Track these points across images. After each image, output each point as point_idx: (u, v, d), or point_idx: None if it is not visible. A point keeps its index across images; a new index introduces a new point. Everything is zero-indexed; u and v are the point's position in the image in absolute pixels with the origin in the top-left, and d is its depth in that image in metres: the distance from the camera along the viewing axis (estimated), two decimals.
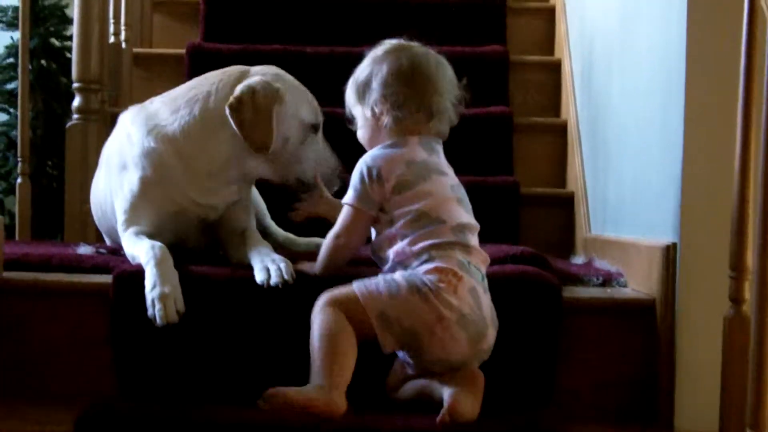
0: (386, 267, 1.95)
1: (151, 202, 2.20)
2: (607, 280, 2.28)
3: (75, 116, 3.13)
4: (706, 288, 1.94)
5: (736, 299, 1.71)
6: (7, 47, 4.17)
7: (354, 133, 2.10)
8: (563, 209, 3.15)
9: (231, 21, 3.78)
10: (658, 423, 2.03)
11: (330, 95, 3.41)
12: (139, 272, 2.02)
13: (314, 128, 2.24)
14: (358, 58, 2.09)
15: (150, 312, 1.95)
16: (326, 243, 2.04)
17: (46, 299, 2.14)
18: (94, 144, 3.08)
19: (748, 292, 1.69)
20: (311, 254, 2.12)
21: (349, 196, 1.98)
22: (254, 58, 3.43)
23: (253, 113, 2.12)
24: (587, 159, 3.06)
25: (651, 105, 2.23)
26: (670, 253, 2.00)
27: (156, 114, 2.24)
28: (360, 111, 2.05)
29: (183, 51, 3.46)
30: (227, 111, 2.12)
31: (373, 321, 1.84)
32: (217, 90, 2.19)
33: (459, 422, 1.80)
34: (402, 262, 1.91)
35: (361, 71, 2.05)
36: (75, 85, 3.14)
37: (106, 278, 2.10)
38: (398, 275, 1.87)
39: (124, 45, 3.60)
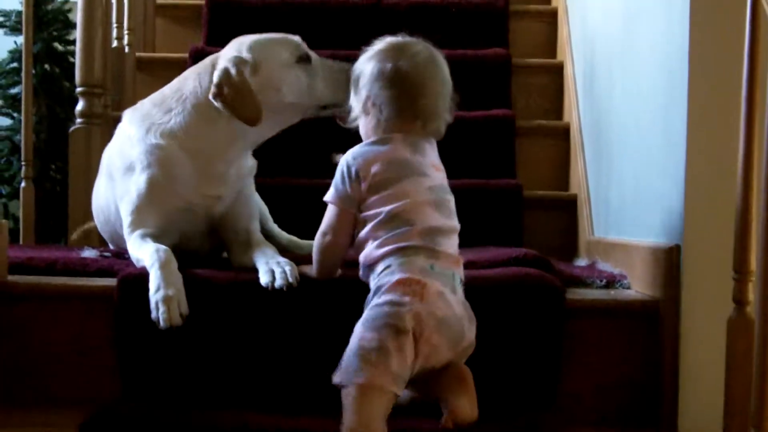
0: (360, 272, 1.94)
1: (159, 201, 2.21)
2: (610, 282, 2.28)
3: (78, 120, 3.14)
4: (710, 290, 1.94)
5: (740, 301, 1.71)
6: (10, 52, 4.19)
7: None
8: (566, 212, 3.16)
9: (233, 25, 3.77)
10: (661, 426, 2.03)
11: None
12: (143, 275, 2.02)
13: (302, 59, 2.26)
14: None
15: (154, 315, 1.95)
16: (315, 242, 2.03)
17: (50, 303, 2.14)
18: (97, 148, 3.08)
19: (752, 293, 1.69)
20: None
21: (330, 194, 1.97)
22: None
23: (234, 93, 2.15)
24: (590, 161, 3.06)
25: (653, 107, 2.23)
26: (673, 255, 2.00)
27: (150, 114, 2.27)
28: (354, 103, 2.05)
29: (186, 55, 3.46)
30: (213, 101, 2.16)
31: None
32: (200, 83, 2.23)
33: (462, 426, 1.80)
34: (368, 266, 1.89)
35: (356, 66, 2.05)
36: (78, 89, 3.15)
37: (111, 281, 2.11)
38: (363, 332, 1.77)
39: (127, 49, 3.61)
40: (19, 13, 4.05)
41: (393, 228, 1.88)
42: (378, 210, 1.90)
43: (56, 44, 4.17)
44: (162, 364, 2.05)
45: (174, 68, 3.61)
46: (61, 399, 2.12)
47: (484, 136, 3.23)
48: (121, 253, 2.37)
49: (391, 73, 1.96)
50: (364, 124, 2.02)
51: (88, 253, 2.50)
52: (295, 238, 2.64)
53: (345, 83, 2.15)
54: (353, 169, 1.94)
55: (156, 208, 2.21)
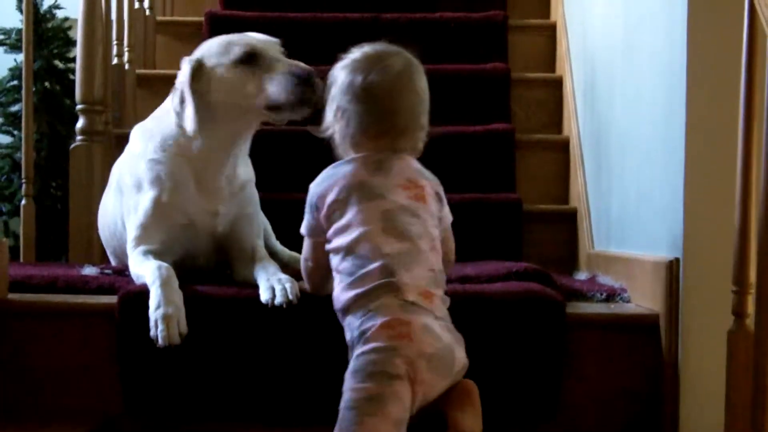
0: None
1: (162, 217, 2.21)
2: (611, 295, 2.28)
3: (79, 137, 3.14)
4: (710, 303, 1.94)
5: (740, 313, 1.71)
6: (10, 69, 4.19)
7: None
8: (566, 225, 3.16)
9: None
10: None
11: None
12: (144, 292, 2.02)
13: (248, 59, 2.18)
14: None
15: (152, 332, 1.94)
16: (301, 265, 2.04)
17: (51, 320, 2.14)
18: (98, 165, 3.10)
19: (752, 306, 1.69)
20: None
21: (302, 224, 1.96)
22: None
23: (179, 100, 2.20)
24: (590, 175, 3.06)
25: (653, 121, 2.24)
26: (673, 268, 2.00)
27: (150, 129, 2.30)
28: (327, 111, 1.99)
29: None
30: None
31: None
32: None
33: None
34: (342, 311, 1.83)
35: (331, 73, 1.99)
36: (79, 106, 3.15)
37: (111, 299, 2.11)
38: (355, 384, 1.71)
39: (127, 66, 3.61)
40: (19, 30, 4.05)
41: (352, 267, 1.81)
42: (335, 245, 1.86)
43: (56, 62, 4.18)
44: (163, 380, 2.05)
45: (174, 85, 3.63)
46: (63, 415, 2.11)
47: (483, 149, 3.24)
48: (123, 270, 2.37)
49: (360, 87, 1.90)
50: (336, 134, 1.97)
51: (89, 270, 2.50)
52: (296, 255, 2.63)
53: (300, 85, 2.12)
54: (313, 200, 1.92)
55: (160, 225, 2.21)
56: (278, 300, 1.98)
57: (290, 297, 1.99)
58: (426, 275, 1.83)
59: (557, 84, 3.64)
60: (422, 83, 1.99)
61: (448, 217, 2.01)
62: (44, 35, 4.11)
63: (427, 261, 1.84)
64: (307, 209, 1.94)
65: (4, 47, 4.22)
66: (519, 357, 2.02)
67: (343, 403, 1.70)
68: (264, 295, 2.01)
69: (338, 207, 1.87)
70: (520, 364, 2.02)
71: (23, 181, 3.12)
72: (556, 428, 2.03)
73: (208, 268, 2.32)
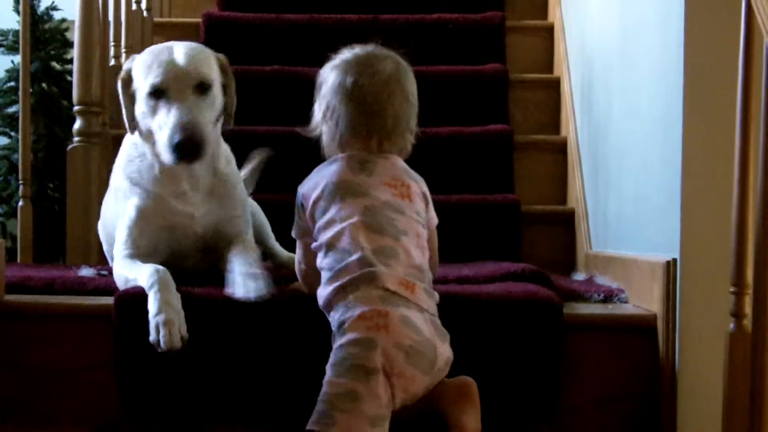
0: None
1: (145, 222, 2.22)
2: (609, 296, 2.28)
3: (76, 139, 3.13)
4: (707, 303, 1.94)
5: (738, 314, 1.71)
6: (8, 71, 4.18)
7: None
8: (564, 226, 3.16)
9: (231, 43, 3.79)
10: None
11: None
12: (140, 295, 2.01)
13: (156, 93, 2.11)
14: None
15: (153, 337, 1.93)
16: (296, 268, 2.07)
17: (48, 322, 2.14)
18: (95, 167, 3.09)
19: (749, 307, 1.69)
20: None
21: (293, 226, 2.00)
22: (252, 79, 3.47)
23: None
24: (587, 176, 3.06)
25: (651, 122, 2.24)
26: (670, 269, 2.00)
27: (132, 136, 2.28)
28: (315, 111, 2.03)
29: None
30: None
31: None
32: None
33: None
34: (325, 308, 1.84)
35: (321, 72, 2.02)
36: (76, 108, 3.15)
37: (108, 300, 2.10)
38: (331, 377, 1.72)
39: None
40: (16, 32, 4.04)
41: (333, 262, 1.83)
42: (319, 242, 1.88)
43: (54, 63, 4.16)
44: (161, 383, 2.04)
45: None
46: (62, 418, 2.12)
47: (481, 151, 3.24)
48: None
49: (350, 88, 1.93)
50: (325, 134, 2.00)
51: (86, 271, 2.50)
52: (294, 255, 2.63)
53: (176, 151, 2.04)
54: (299, 198, 1.95)
55: (143, 229, 2.21)
56: (252, 295, 1.98)
57: (261, 294, 1.98)
58: (408, 271, 1.82)
59: (555, 85, 3.64)
60: (411, 87, 2.01)
61: (434, 219, 2.03)
62: (41, 37, 4.10)
63: (409, 257, 1.84)
64: (295, 211, 1.97)
65: (1, 49, 4.21)
66: (516, 358, 2.01)
67: (320, 396, 1.71)
68: (239, 291, 2.00)
69: (322, 204, 1.89)
70: (518, 365, 2.01)
71: (20, 182, 3.11)
72: (554, 429, 2.02)
73: (197, 269, 2.31)
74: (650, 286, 2.10)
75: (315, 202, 1.90)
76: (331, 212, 1.87)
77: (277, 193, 2.85)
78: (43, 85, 4.07)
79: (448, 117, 3.41)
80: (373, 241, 1.82)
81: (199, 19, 3.87)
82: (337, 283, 1.80)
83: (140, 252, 2.18)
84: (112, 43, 3.52)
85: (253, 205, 2.61)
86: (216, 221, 2.26)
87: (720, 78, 1.93)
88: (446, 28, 3.83)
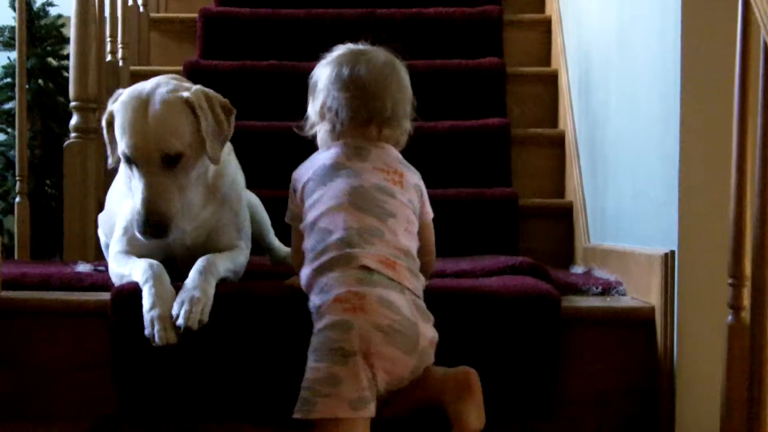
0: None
1: None
2: (607, 289, 2.28)
3: (73, 135, 3.13)
4: (705, 295, 1.94)
5: (736, 306, 1.70)
6: (4, 67, 4.19)
7: None
8: (562, 220, 3.16)
9: (228, 39, 3.79)
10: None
11: None
12: (137, 290, 2.00)
13: (129, 160, 2.05)
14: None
15: (148, 332, 1.92)
16: (292, 258, 2.08)
17: (44, 318, 2.14)
18: (92, 163, 3.09)
19: (747, 298, 1.69)
20: None
21: (286, 214, 2.02)
22: (249, 74, 3.47)
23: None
24: (585, 169, 3.06)
25: (648, 115, 2.23)
26: (668, 261, 1.99)
27: None
28: (310, 111, 2.04)
29: (180, 68, 3.47)
30: None
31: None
32: None
33: None
34: (307, 290, 1.84)
35: (313, 73, 2.05)
36: (72, 104, 3.15)
37: (105, 296, 2.10)
38: (311, 363, 1.73)
39: (121, 63, 3.61)
40: (12, 28, 4.05)
41: (314, 243, 1.83)
42: (304, 223, 1.90)
43: (50, 59, 4.17)
44: (158, 379, 2.03)
45: None
46: (60, 415, 2.11)
47: (479, 144, 3.24)
48: None
49: (347, 77, 1.95)
50: (320, 132, 2.02)
51: (83, 267, 2.50)
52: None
53: (141, 227, 2.01)
54: (292, 184, 1.97)
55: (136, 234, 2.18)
56: (179, 322, 1.91)
57: (188, 323, 1.90)
58: (392, 251, 1.81)
59: (552, 79, 3.63)
60: (406, 77, 2.04)
61: (429, 213, 2.03)
62: (37, 33, 4.11)
63: (395, 239, 1.84)
64: (289, 196, 1.99)
65: None
66: (514, 352, 2.01)
67: (302, 383, 1.72)
68: (173, 309, 1.94)
69: (311, 186, 1.90)
70: (515, 359, 2.01)
71: (17, 179, 3.12)
72: (552, 424, 2.02)
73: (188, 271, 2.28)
74: (648, 279, 2.09)
75: (305, 184, 1.92)
76: (318, 192, 1.88)
77: (275, 189, 2.84)
78: (40, 81, 4.07)
79: (446, 111, 3.40)
80: (358, 219, 1.83)
81: (196, 15, 3.86)
82: (315, 264, 1.80)
83: (134, 251, 2.17)
84: (108, 39, 3.52)
85: (254, 201, 2.59)
86: (207, 232, 2.22)
87: (717, 70, 1.93)
88: (443, 22, 3.83)
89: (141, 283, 2.01)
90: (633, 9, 2.42)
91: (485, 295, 2.03)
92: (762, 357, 1.59)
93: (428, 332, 1.80)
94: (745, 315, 1.68)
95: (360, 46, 2.04)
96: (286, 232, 2.51)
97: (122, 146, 2.04)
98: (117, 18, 3.58)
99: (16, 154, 3.13)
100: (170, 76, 2.16)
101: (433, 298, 1.90)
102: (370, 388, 1.70)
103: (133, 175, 2.05)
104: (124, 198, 2.25)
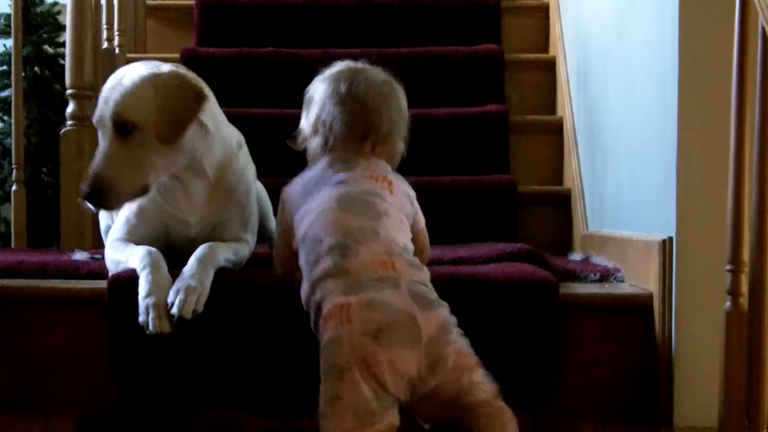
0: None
1: (143, 219, 2.18)
2: (605, 276, 2.28)
3: (69, 123, 3.12)
4: (703, 282, 1.94)
5: (734, 292, 1.70)
6: (0, 55, 4.17)
7: None
8: (560, 207, 3.15)
9: (224, 26, 3.78)
10: (658, 419, 2.02)
11: None
12: (134, 278, 1.99)
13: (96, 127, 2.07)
14: (354, 60, 2.06)
15: (142, 319, 1.91)
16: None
17: (42, 306, 2.13)
18: (88, 150, 3.07)
19: (746, 285, 1.69)
20: None
21: (275, 227, 1.98)
22: (247, 62, 3.46)
23: None
24: (583, 156, 3.05)
25: (647, 102, 2.23)
26: (666, 247, 1.99)
27: None
28: (303, 125, 2.01)
29: (177, 56, 3.46)
30: None
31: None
32: None
33: None
34: (306, 308, 1.78)
35: (309, 88, 2.01)
36: (69, 91, 3.14)
37: (102, 284, 2.09)
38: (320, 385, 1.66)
39: (117, 51, 3.60)
40: (8, 15, 4.04)
41: (307, 254, 1.78)
42: (298, 235, 1.84)
43: (46, 47, 4.16)
44: (155, 368, 2.02)
45: None
46: (57, 403, 2.11)
47: (477, 131, 3.23)
48: None
49: (345, 92, 1.92)
50: (311, 146, 1.97)
51: (79, 255, 2.49)
52: None
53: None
54: (281, 200, 1.94)
55: (140, 225, 2.18)
56: (173, 310, 1.90)
57: (181, 313, 1.90)
58: (386, 247, 1.75)
59: (551, 66, 3.63)
60: (403, 100, 2.00)
61: (422, 219, 2.00)
62: (33, 20, 4.10)
63: (390, 234, 1.78)
64: (278, 212, 1.96)
65: None
66: (512, 339, 2.00)
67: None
68: (169, 297, 1.94)
69: (300, 201, 1.87)
70: (514, 346, 2.01)
71: (14, 167, 3.11)
72: (551, 411, 2.02)
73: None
74: (646, 265, 2.09)
75: (296, 199, 1.88)
76: (306, 205, 1.84)
77: (273, 176, 2.83)
78: (36, 68, 4.07)
79: (444, 99, 3.40)
80: (349, 222, 1.77)
81: (192, 2, 3.85)
82: (310, 279, 1.75)
83: (135, 240, 2.16)
84: (104, 26, 3.51)
85: (260, 190, 2.58)
86: (212, 225, 2.21)
87: (715, 58, 1.93)
88: (441, 9, 3.82)
89: (139, 270, 2.00)
90: None
91: (483, 282, 2.03)
92: (760, 343, 1.59)
93: (432, 320, 1.69)
94: (744, 301, 1.68)
95: (359, 64, 2.00)
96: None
97: (98, 107, 2.05)
98: (113, 5, 3.57)
99: (13, 142, 3.12)
100: (170, 64, 2.15)
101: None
102: (379, 399, 1.62)
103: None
104: None
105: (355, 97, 1.92)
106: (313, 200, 1.84)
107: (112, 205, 2.02)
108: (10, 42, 3.49)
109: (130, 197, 2.03)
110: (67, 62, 3.14)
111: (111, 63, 3.49)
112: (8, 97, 3.81)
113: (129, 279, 2.01)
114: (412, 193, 1.97)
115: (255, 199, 2.35)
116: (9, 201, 3.20)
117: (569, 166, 3.20)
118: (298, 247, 1.84)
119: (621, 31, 2.54)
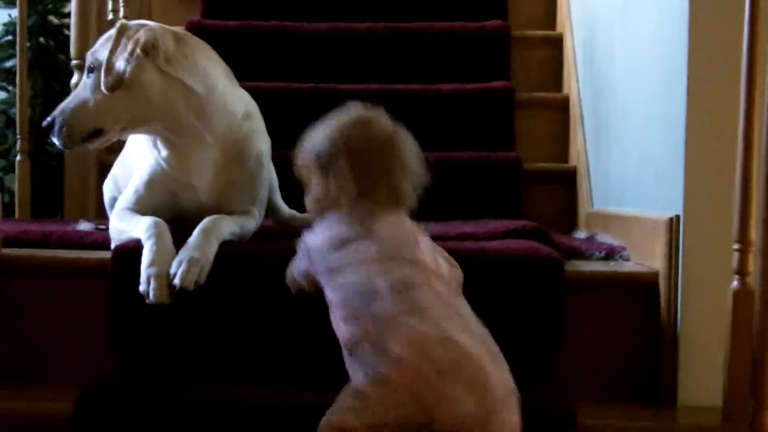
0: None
1: (152, 186, 2.19)
2: (610, 254, 2.27)
3: None
4: (710, 261, 1.93)
5: (741, 272, 1.70)
6: (5, 25, 4.16)
7: None
8: (565, 184, 3.14)
9: (231, 4, 3.76)
10: (661, 399, 2.02)
11: (330, 70, 3.40)
12: (138, 248, 1.99)
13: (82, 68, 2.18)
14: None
15: (143, 288, 1.91)
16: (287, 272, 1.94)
17: (44, 275, 2.13)
18: None
19: (753, 264, 1.68)
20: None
21: (294, 265, 1.88)
22: (252, 35, 3.45)
23: None
24: (589, 134, 3.04)
25: (654, 78, 2.22)
26: (673, 225, 1.98)
27: None
28: (315, 178, 1.86)
29: (182, 28, 3.43)
30: None
31: None
32: None
33: None
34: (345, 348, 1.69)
35: (319, 138, 1.85)
36: (73, 62, 3.13)
37: (106, 254, 2.09)
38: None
39: None
40: None
41: (343, 300, 1.69)
42: (327, 288, 1.74)
43: (51, 17, 4.13)
44: (157, 339, 2.02)
45: None
46: (60, 374, 2.11)
47: (483, 108, 3.21)
48: None
49: (354, 144, 1.81)
50: (319, 196, 1.86)
51: (84, 226, 2.49)
52: (295, 212, 2.62)
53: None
54: (303, 249, 1.82)
55: (152, 191, 2.19)
56: (175, 282, 1.91)
57: (181, 284, 1.91)
58: (441, 288, 1.71)
59: (557, 43, 3.60)
60: (415, 147, 1.87)
61: (461, 274, 1.88)
62: None
63: (436, 278, 1.73)
64: (299, 254, 1.85)
65: None
66: (516, 316, 2.00)
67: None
68: (171, 268, 1.94)
69: (327, 255, 1.76)
70: (517, 324, 2.00)
71: (18, 137, 3.10)
72: (554, 388, 2.01)
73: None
74: (652, 244, 2.08)
75: (324, 253, 1.77)
76: (338, 259, 1.74)
77: (279, 149, 2.82)
78: (41, 39, 4.04)
79: (450, 75, 3.38)
80: (388, 271, 1.68)
81: None
82: (351, 332, 1.65)
83: (141, 210, 2.16)
84: None
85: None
86: (220, 195, 2.21)
87: (725, 33, 1.91)
88: None
89: (144, 240, 2.00)
90: None
91: (488, 258, 2.02)
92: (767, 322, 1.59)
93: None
94: (751, 280, 1.68)
95: (361, 113, 1.86)
96: (290, 194, 2.52)
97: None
98: None
99: (17, 112, 3.11)
100: (160, 24, 2.24)
101: None
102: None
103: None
104: (144, 157, 2.25)
105: (365, 150, 1.80)
106: (343, 253, 1.73)
107: (65, 142, 2.13)
108: (15, 12, 3.47)
109: (83, 136, 2.13)
110: (72, 33, 3.13)
111: None
112: (13, 68, 3.79)
113: (133, 249, 2.01)
114: (438, 247, 1.87)
115: (266, 172, 2.35)
116: (13, 171, 3.19)
117: (575, 143, 3.19)
118: (329, 289, 1.75)
119: (628, 7, 2.52)
